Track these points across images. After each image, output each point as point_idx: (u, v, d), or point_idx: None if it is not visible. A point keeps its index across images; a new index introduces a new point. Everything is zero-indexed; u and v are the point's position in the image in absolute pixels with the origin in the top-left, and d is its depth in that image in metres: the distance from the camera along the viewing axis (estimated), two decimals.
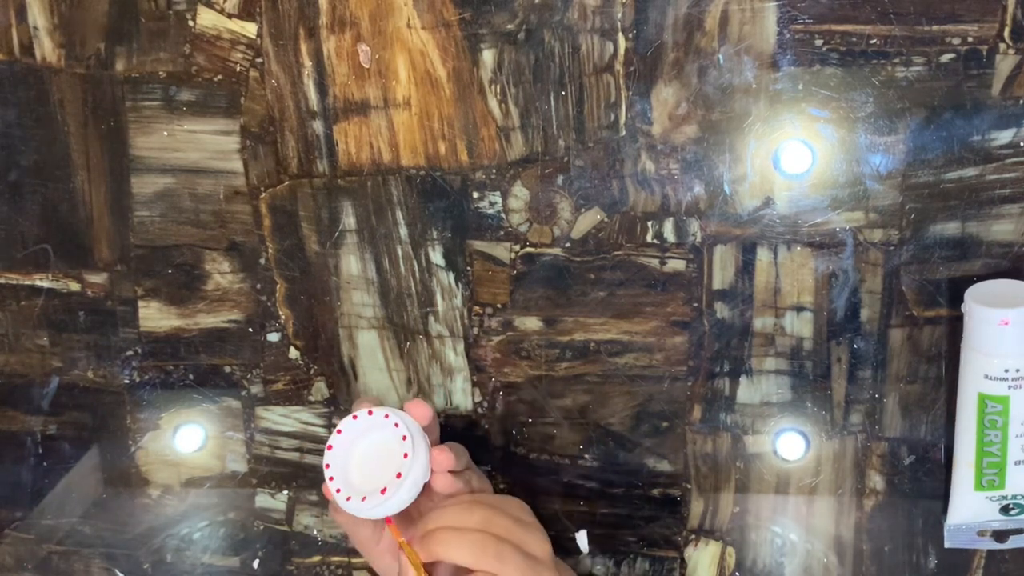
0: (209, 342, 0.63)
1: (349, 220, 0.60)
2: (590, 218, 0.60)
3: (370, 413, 0.54)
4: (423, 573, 0.51)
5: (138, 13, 0.58)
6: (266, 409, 0.64)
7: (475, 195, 0.60)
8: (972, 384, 0.56)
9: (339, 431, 0.55)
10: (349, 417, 0.55)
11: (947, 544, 0.61)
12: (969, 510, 0.59)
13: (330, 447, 0.54)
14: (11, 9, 0.59)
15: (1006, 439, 0.56)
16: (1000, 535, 0.60)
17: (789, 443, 0.62)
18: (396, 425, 0.53)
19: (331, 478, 0.54)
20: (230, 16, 0.58)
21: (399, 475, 0.52)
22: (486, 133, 0.59)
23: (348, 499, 0.53)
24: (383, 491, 0.52)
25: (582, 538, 0.63)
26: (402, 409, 0.55)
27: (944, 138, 0.57)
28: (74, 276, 0.62)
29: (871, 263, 0.59)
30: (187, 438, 0.64)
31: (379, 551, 0.56)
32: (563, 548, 0.64)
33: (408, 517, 0.56)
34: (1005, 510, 0.58)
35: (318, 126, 0.59)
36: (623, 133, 0.58)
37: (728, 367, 0.61)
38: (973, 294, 0.56)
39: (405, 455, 0.53)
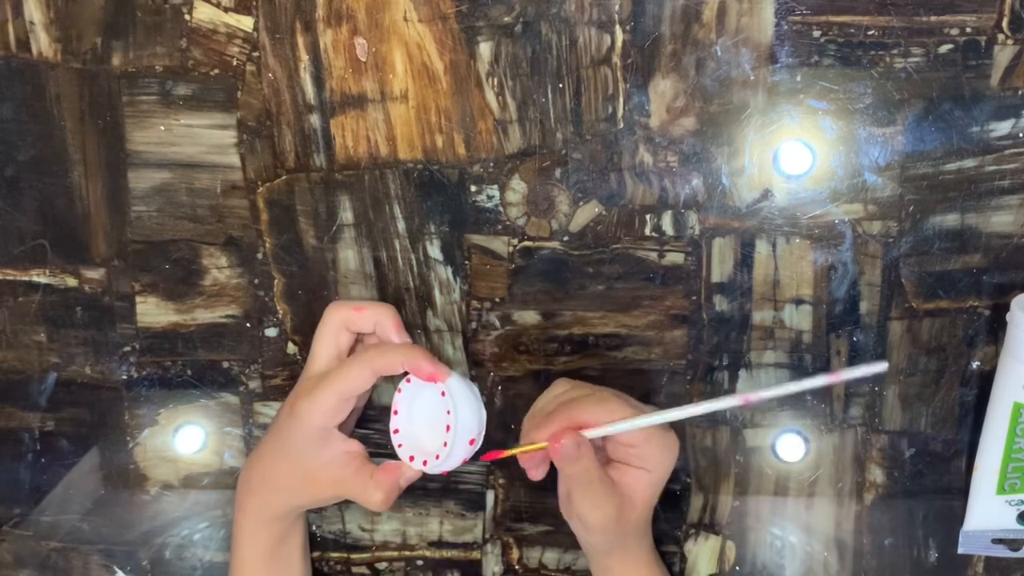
0: (207, 337, 0.63)
1: (347, 214, 0.60)
2: (588, 211, 0.59)
3: (408, 382, 0.54)
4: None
5: (134, 7, 0.58)
6: (264, 404, 0.64)
7: (473, 189, 0.60)
8: (1008, 392, 0.56)
9: (399, 390, 0.55)
10: (402, 383, 0.55)
11: (960, 550, 0.60)
12: (987, 516, 0.58)
13: (395, 412, 0.55)
14: (7, 4, 0.59)
15: None
16: (1014, 544, 0.60)
17: (789, 438, 0.61)
18: (447, 405, 0.53)
19: (400, 444, 0.54)
20: (226, 10, 0.58)
21: (445, 444, 0.52)
22: (483, 126, 0.59)
23: (401, 448, 0.54)
24: (436, 457, 0.53)
25: None
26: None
27: (943, 129, 0.57)
28: (71, 272, 0.62)
29: (870, 255, 0.59)
30: (185, 434, 0.64)
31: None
32: (564, 539, 0.64)
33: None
34: (1021, 517, 0.58)
35: (315, 120, 0.59)
36: (621, 126, 0.58)
37: (727, 360, 0.61)
38: (1020, 303, 0.55)
39: (444, 444, 0.53)
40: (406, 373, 0.54)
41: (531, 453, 0.53)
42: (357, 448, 0.55)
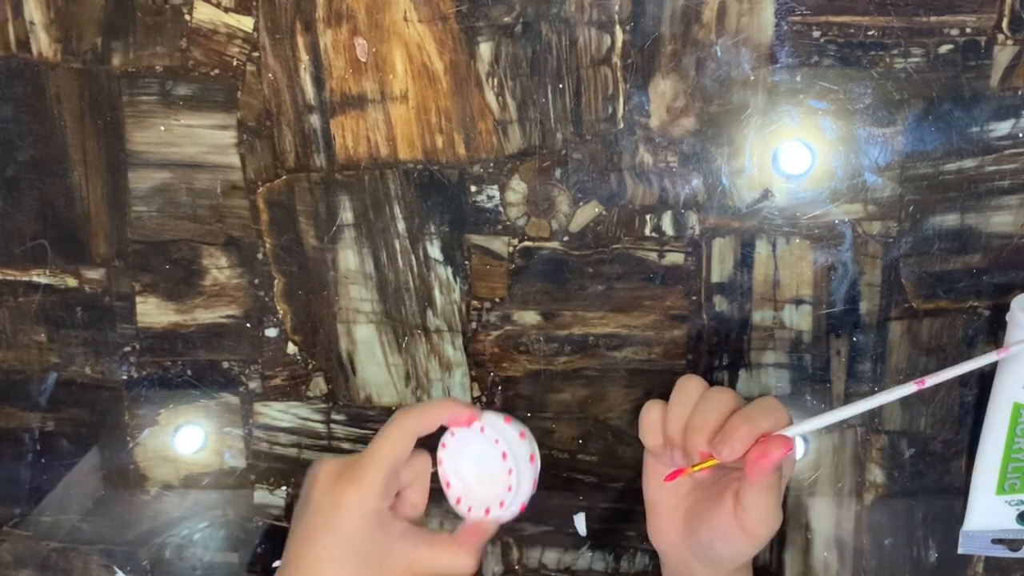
0: (207, 338, 0.63)
1: (347, 214, 0.60)
2: (588, 211, 0.59)
3: (469, 424, 0.54)
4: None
5: (135, 7, 0.58)
6: (264, 405, 0.64)
7: (473, 189, 0.60)
8: (1007, 393, 0.56)
9: (444, 445, 0.55)
10: (449, 432, 0.55)
11: (960, 550, 0.60)
12: (987, 516, 0.58)
13: (441, 462, 0.55)
14: (7, 4, 0.59)
15: None
16: (1014, 544, 0.60)
17: None
18: (496, 442, 0.54)
19: (458, 500, 0.55)
20: (227, 10, 0.58)
21: (502, 503, 0.54)
22: (483, 126, 0.59)
23: (469, 510, 0.54)
24: (487, 511, 0.54)
25: (580, 521, 0.63)
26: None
27: (943, 129, 0.57)
28: (71, 272, 0.62)
29: (870, 255, 0.59)
30: (185, 434, 0.64)
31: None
32: (564, 539, 0.64)
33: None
34: (1021, 517, 0.58)
35: (315, 120, 0.59)
36: (621, 126, 0.58)
37: (727, 360, 0.61)
38: (1020, 303, 0.55)
39: (509, 488, 0.53)
40: (442, 431, 0.54)
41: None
42: (415, 524, 0.53)
